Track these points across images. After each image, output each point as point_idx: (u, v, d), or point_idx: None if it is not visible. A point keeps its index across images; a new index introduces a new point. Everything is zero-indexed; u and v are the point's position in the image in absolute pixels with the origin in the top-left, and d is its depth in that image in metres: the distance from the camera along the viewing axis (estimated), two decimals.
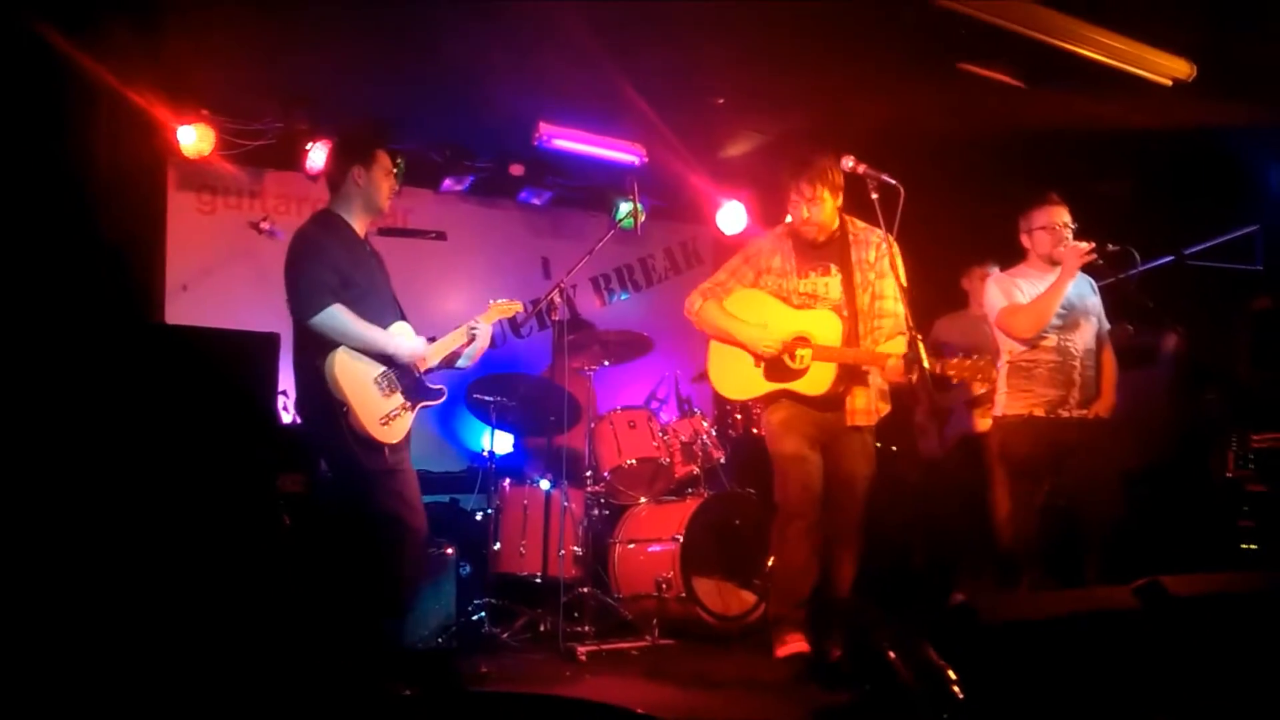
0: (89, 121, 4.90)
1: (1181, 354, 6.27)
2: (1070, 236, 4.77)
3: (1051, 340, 4.76)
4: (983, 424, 5.84)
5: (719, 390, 4.90)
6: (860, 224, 4.67)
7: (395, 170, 4.45)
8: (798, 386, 4.54)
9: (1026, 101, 5.89)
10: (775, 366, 4.57)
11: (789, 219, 4.67)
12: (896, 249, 4.47)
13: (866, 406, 4.59)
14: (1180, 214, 6.23)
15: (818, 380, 4.50)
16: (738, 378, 4.69)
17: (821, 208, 4.54)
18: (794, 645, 4.48)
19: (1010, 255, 5.13)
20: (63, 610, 3.23)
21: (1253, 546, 5.59)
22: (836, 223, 4.64)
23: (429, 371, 4.36)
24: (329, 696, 3.81)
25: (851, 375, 4.54)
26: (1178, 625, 2.98)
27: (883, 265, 4.56)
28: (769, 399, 4.64)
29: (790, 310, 4.59)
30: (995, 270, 6.00)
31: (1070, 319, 4.79)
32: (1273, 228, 6.43)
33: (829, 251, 4.64)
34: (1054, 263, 4.78)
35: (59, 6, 4.58)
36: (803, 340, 4.52)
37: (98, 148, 4.93)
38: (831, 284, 4.60)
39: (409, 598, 4.51)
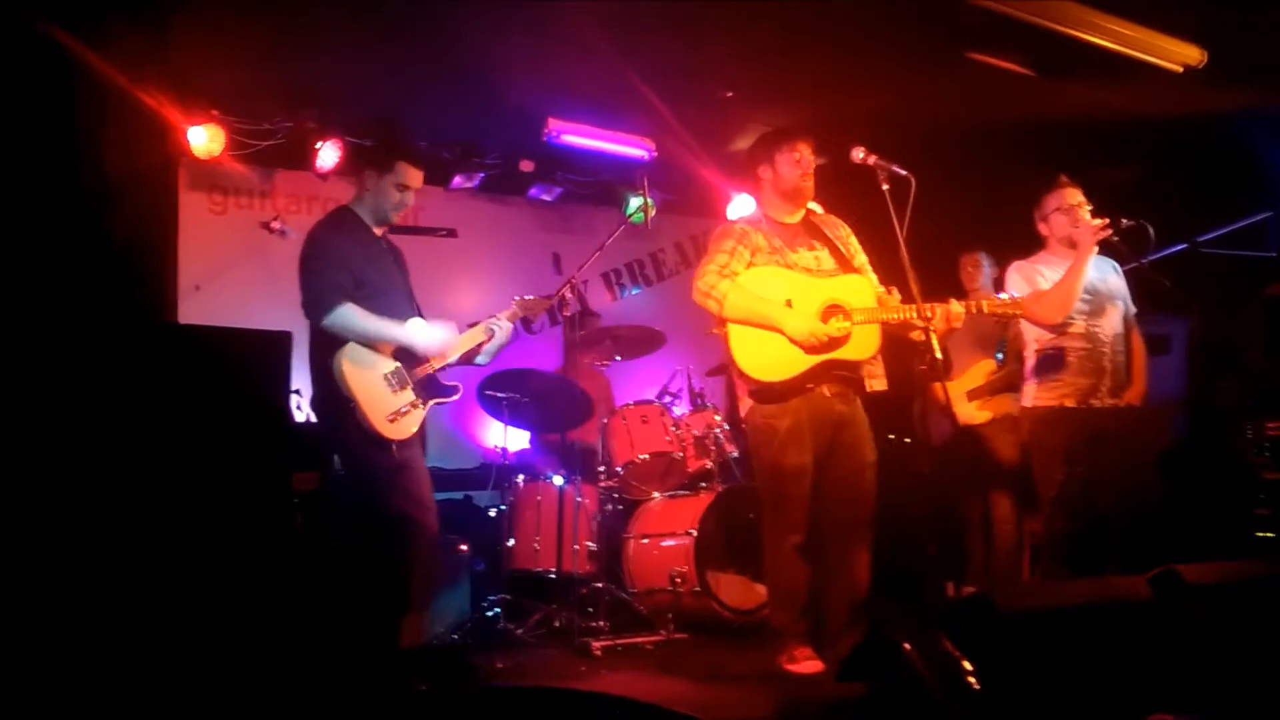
0: (98, 122, 4.90)
1: (1196, 341, 6.25)
2: (1087, 216, 4.74)
3: (1079, 327, 4.73)
4: (980, 416, 5.85)
5: (754, 375, 4.46)
6: (817, 210, 4.71)
7: (410, 186, 4.39)
8: (845, 353, 4.38)
9: (1036, 90, 5.87)
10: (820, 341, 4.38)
11: (791, 178, 4.58)
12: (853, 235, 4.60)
13: (882, 371, 4.56)
14: (1193, 201, 6.20)
15: (865, 343, 4.39)
16: (774, 357, 4.40)
17: (812, 174, 4.57)
18: (807, 664, 4.40)
19: (1012, 246, 5.11)
20: (77, 611, 3.24)
21: (1268, 534, 5.57)
22: None
23: (445, 368, 4.37)
24: (344, 694, 3.82)
25: (886, 336, 4.47)
26: (1194, 614, 2.97)
27: (852, 243, 4.63)
28: (798, 385, 4.41)
29: (810, 279, 4.45)
30: (986, 258, 6.02)
31: (1096, 304, 4.76)
32: None
33: (805, 231, 4.62)
34: (1073, 245, 4.75)
35: (67, 7, 4.59)
36: (835, 308, 4.38)
37: (107, 149, 4.94)
38: (822, 257, 4.54)
39: (422, 594, 4.52)
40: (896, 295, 4.41)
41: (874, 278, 4.58)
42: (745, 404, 4.59)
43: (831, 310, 4.39)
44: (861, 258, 4.63)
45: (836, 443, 4.47)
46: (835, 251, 4.57)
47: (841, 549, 4.46)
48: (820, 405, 4.44)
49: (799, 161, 4.56)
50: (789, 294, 4.42)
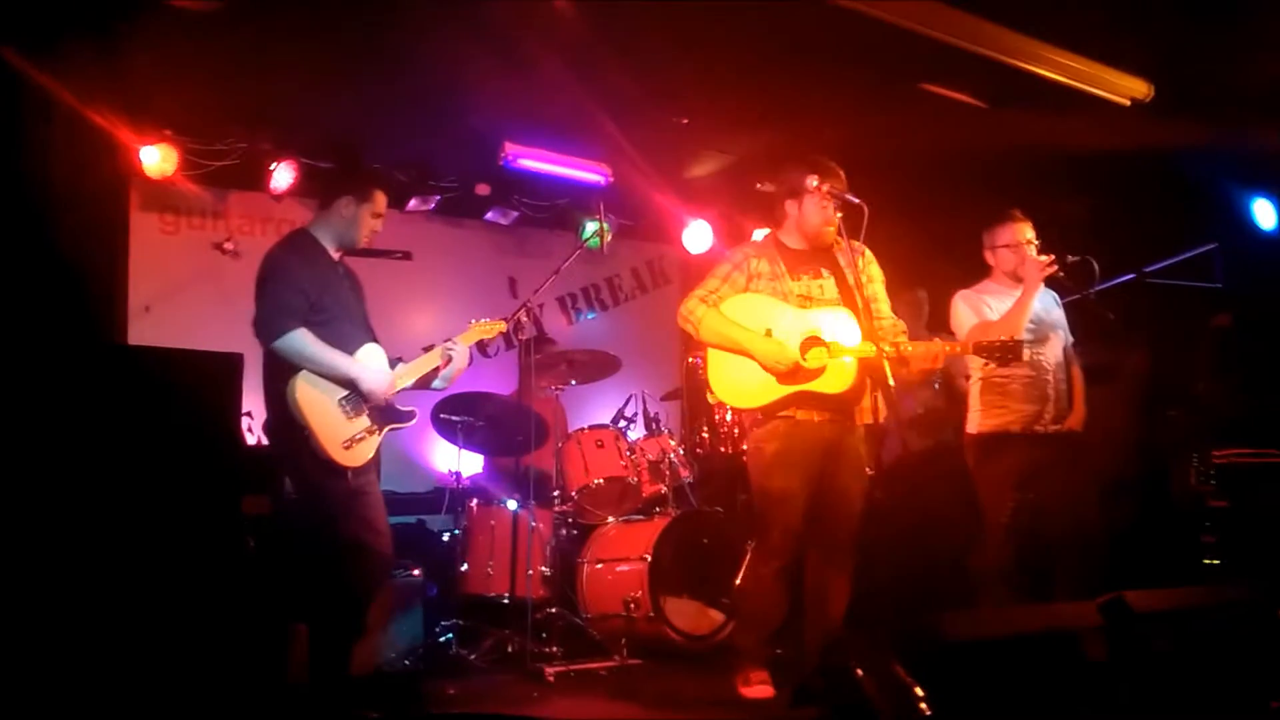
0: (47, 141, 4.85)
1: (1143, 371, 6.33)
2: (1034, 252, 4.81)
3: (1025, 354, 4.77)
4: (920, 444, 5.90)
5: (726, 401, 4.62)
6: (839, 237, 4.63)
7: (382, 215, 4.41)
8: (817, 386, 4.31)
9: (987, 121, 5.95)
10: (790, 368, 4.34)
11: (815, 221, 4.47)
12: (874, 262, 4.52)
13: (872, 404, 4.47)
14: (1140, 233, 6.29)
15: (838, 378, 4.30)
16: (747, 385, 4.39)
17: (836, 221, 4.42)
18: (760, 689, 4.37)
19: (956, 277, 5.16)
20: (22, 637, 3.18)
21: (1215, 562, 5.63)
22: None
23: (399, 392, 4.34)
24: None
25: (867, 371, 4.38)
26: (1141, 641, 3.00)
27: (871, 271, 4.54)
28: (772, 411, 4.38)
29: (798, 310, 4.38)
30: (923, 295, 6.09)
31: (1040, 332, 4.82)
32: (1231, 245, 6.51)
33: (818, 257, 4.53)
34: (1018, 279, 4.82)
35: (17, 25, 4.54)
36: (814, 340, 4.31)
37: (55, 167, 4.88)
38: (826, 286, 4.46)
39: (374, 620, 4.48)
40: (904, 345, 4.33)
41: (885, 308, 4.52)
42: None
43: (810, 343, 4.33)
44: (873, 288, 4.52)
45: (828, 469, 4.41)
46: (842, 282, 4.48)
47: (819, 574, 4.44)
48: (808, 431, 4.38)
49: (826, 209, 4.44)
50: (770, 323, 4.37)
